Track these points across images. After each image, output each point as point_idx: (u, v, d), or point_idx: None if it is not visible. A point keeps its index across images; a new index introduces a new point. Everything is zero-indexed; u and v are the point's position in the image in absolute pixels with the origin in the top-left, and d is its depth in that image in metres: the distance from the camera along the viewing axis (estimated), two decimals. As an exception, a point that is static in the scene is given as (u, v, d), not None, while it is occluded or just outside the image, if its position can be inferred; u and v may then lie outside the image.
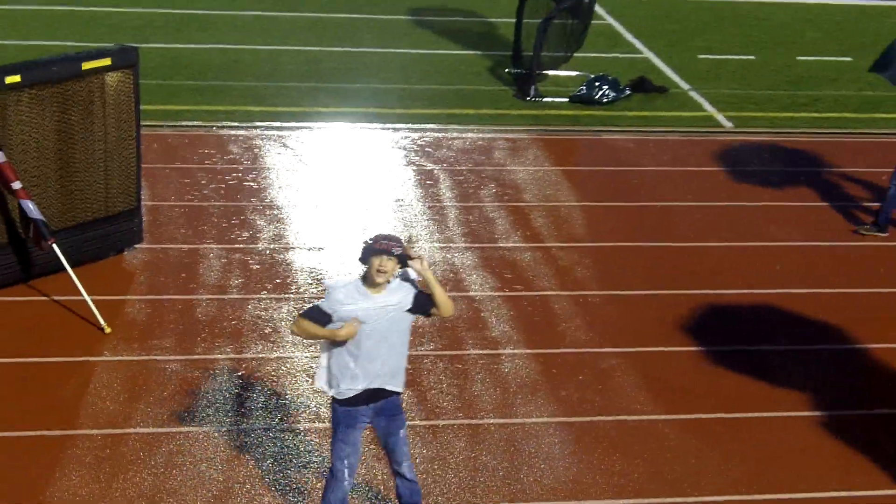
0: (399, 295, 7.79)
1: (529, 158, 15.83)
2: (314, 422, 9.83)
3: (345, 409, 7.94)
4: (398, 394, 8.02)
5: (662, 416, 10.22)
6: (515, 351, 11.11)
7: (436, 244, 13.19)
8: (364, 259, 7.65)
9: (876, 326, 11.89)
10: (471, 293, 12.14)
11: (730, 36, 22.00)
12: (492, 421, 10.02)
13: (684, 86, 19.04)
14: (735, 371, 11.00)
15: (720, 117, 17.73)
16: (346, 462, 8.02)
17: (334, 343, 7.77)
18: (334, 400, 7.93)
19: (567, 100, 18.03)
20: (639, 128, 17.16)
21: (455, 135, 16.41)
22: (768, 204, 14.68)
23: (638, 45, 21.20)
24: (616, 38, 21.54)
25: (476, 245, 13.18)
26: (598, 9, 21.34)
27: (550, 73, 18.95)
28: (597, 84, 18.07)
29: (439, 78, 18.71)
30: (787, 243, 13.69)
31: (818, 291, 12.57)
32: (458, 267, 12.65)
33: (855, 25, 23.25)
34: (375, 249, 7.59)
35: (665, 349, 11.29)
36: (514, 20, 19.13)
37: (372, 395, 7.91)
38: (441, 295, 7.78)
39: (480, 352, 11.07)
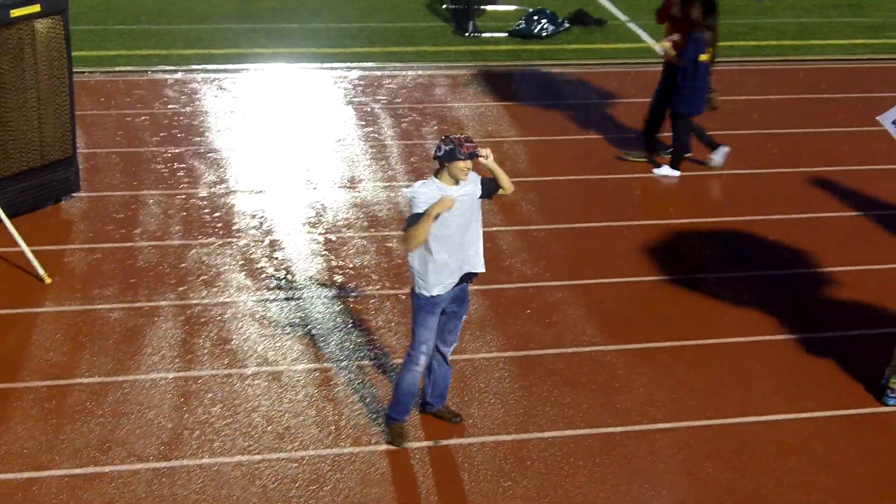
0: (472, 184, 8.45)
1: (470, 94, 15.73)
2: (262, 365, 9.75)
3: (431, 299, 8.52)
4: (477, 275, 8.75)
5: (611, 347, 10.24)
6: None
7: (379, 183, 13.09)
8: (449, 159, 8.21)
9: (827, 249, 11.96)
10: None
11: (667, -34, 21.90)
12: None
13: (622, 17, 18.97)
14: (682, 300, 11.03)
15: (659, 48, 17.66)
16: (424, 347, 8.64)
17: (428, 249, 8.35)
18: (420, 294, 8.52)
19: (506, 34, 17.92)
20: (579, 61, 17.09)
21: (395, 73, 16.27)
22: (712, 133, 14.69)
23: (575, -23, 21.06)
24: (553, -28, 21.39)
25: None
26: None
27: (489, 7, 18.81)
28: (535, 18, 17.97)
29: (377, 16, 18.52)
30: (729, 171, 13.71)
31: (767, 218, 12.61)
32: (402, 205, 12.56)
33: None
34: (464, 154, 8.19)
35: (611, 280, 11.29)
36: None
37: (459, 281, 8.60)
38: (504, 177, 8.57)
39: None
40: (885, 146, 12.13)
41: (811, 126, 15.05)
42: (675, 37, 13.12)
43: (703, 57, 12.88)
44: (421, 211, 8.24)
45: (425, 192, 8.30)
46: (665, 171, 13.46)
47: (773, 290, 11.31)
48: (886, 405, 9.57)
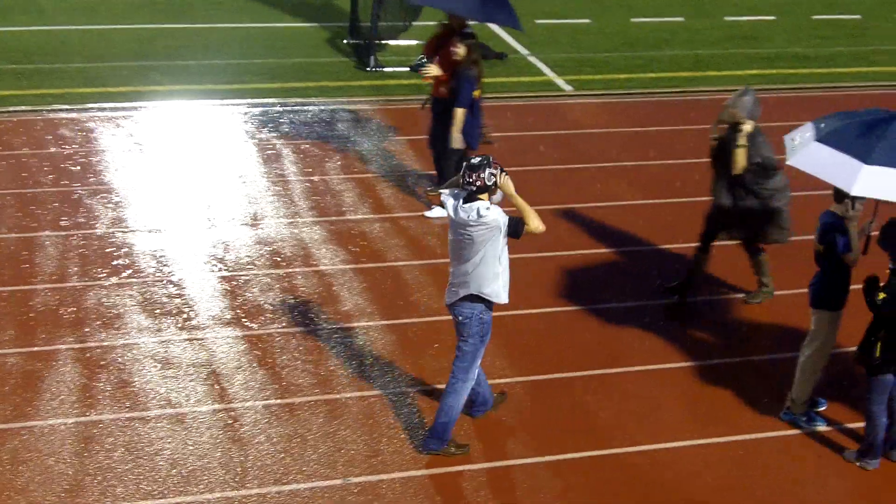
0: (478, 212, 8.74)
1: (373, 129, 15.66)
2: (165, 407, 9.53)
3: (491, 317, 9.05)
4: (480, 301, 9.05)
5: (521, 379, 10.19)
6: (370, 323, 10.95)
7: (282, 220, 12.93)
8: (496, 183, 8.72)
9: (730, 275, 12.07)
10: (321, 267, 11.94)
11: (567, 1, 22.11)
12: (349, 395, 9.85)
13: (523, 51, 19.07)
14: (591, 329, 11.03)
15: (559, 81, 17.80)
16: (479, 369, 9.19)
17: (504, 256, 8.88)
18: (489, 309, 8.97)
19: (408, 69, 17.86)
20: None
21: (296, 108, 16.14)
22: (611, 165, 14.79)
23: (475, 12, 21.13)
24: (453, 7, 21.43)
25: (324, 218, 12.96)
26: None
27: (390, 42, 18.79)
28: (436, 52, 17.96)
29: (278, 52, 18.39)
30: (628, 202, 13.79)
31: (675, 246, 12.69)
32: (307, 241, 12.43)
33: (686, -14, 23.62)
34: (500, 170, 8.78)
35: (522, 312, 11.25)
36: (349, -9, 18.93)
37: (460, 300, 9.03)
38: (528, 214, 8.88)
39: (334, 326, 10.88)
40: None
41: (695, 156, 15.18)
42: (434, 70, 12.91)
43: (476, 93, 12.84)
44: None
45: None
46: (439, 212, 13.18)
47: (676, 317, 11.37)
48: (782, 419, 9.73)
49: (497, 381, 10.10)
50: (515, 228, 8.75)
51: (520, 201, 8.82)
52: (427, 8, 19.37)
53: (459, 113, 12.71)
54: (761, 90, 17.70)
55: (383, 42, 18.58)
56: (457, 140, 12.79)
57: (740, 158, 10.92)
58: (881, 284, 8.77)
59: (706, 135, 15.77)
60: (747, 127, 10.89)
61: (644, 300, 11.65)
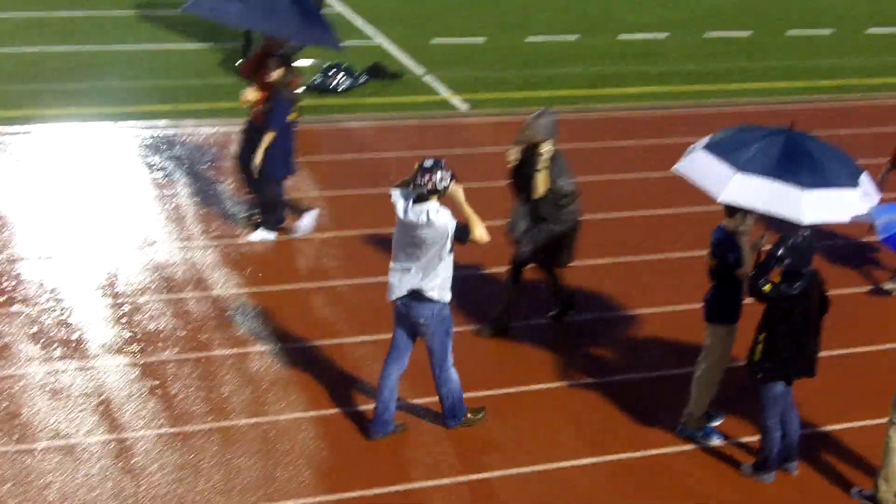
0: (428, 213, 9.02)
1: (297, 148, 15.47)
2: (54, 439, 9.29)
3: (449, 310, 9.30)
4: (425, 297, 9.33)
5: (419, 401, 10.12)
6: (264, 348, 10.80)
7: (175, 244, 12.72)
8: (447, 187, 8.96)
9: (624, 292, 12.12)
10: (215, 292, 11.76)
11: (462, 19, 22.14)
12: (244, 422, 9.70)
13: (419, 70, 19.03)
14: (485, 350, 10.99)
15: (455, 100, 17.80)
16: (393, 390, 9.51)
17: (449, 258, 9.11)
18: (446, 305, 9.23)
19: (303, 89, 17.76)
20: (377, 114, 17.04)
21: (190, 130, 15.91)
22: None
23: (370, 31, 21.09)
24: (348, 26, 21.35)
25: (217, 242, 12.77)
26: (328, -3, 21.17)
27: (285, 63, 18.62)
28: (332, 72, 17.88)
29: (171, 74, 18.12)
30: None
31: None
32: (200, 265, 12.24)
33: (580, 5, 23.77)
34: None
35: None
36: (242, 11, 18.73)
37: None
38: (473, 221, 9.16)
39: (228, 352, 10.71)
40: (677, 190, 12.35)
41: (607, 172, 15.30)
42: (251, 95, 12.62)
43: (291, 116, 12.63)
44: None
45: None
46: (261, 234, 13.00)
47: (572, 335, 11.39)
48: (678, 435, 9.84)
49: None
50: (461, 234, 8.99)
51: (468, 210, 9.02)
52: (322, 28, 19.29)
53: (268, 136, 12.35)
54: (657, 107, 17.92)
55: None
56: (258, 162, 12.37)
57: (541, 182, 10.70)
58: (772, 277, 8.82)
59: (603, 152, 15.91)
60: (547, 149, 10.63)
61: (540, 318, 11.64)
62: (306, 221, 13.05)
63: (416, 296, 9.15)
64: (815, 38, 22.29)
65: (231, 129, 16.03)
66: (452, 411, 9.66)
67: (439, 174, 8.91)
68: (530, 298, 11.95)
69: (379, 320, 11.38)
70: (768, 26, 22.83)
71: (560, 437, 9.74)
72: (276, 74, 12.42)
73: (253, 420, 9.72)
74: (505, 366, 10.73)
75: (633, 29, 22.01)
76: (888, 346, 11.40)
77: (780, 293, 8.76)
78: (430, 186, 8.90)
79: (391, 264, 9.26)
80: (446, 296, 9.20)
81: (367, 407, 9.92)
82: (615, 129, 16.91)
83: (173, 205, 13.64)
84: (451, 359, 9.48)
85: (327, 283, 12.11)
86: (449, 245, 9.02)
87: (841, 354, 10.98)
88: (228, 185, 14.27)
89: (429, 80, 18.63)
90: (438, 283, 9.11)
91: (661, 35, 21.73)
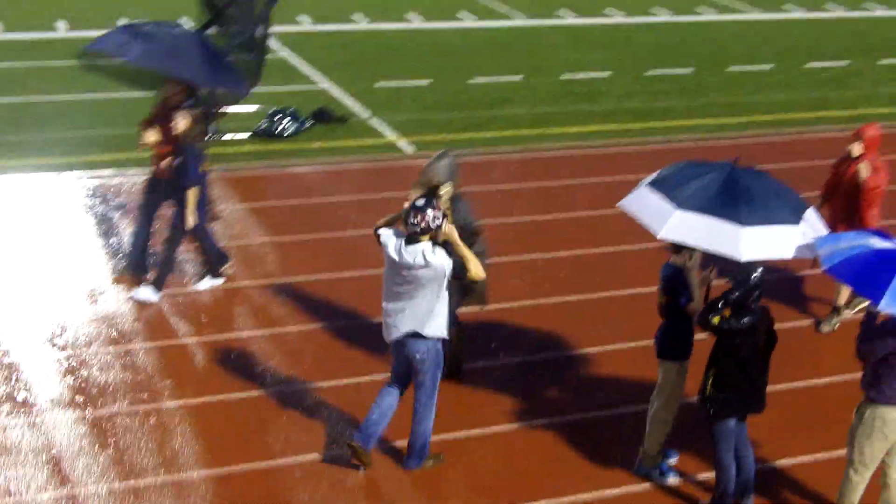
0: (423, 255, 9.10)
1: (214, 197, 15.39)
2: (3, 497, 9.12)
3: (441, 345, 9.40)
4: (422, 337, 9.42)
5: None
6: (215, 398, 10.67)
7: (122, 294, 12.59)
8: (440, 226, 9.02)
9: (575, 331, 12.13)
10: (166, 342, 11.64)
11: (406, 62, 22.23)
12: (196, 473, 9.58)
13: (364, 114, 19.05)
14: (448, 395, 10.95)
15: (402, 143, 17.82)
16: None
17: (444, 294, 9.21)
18: (439, 340, 9.30)
19: (248, 135, 17.72)
20: (324, 158, 17.03)
21: (135, 179, 15.78)
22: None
23: (315, 76, 21.11)
24: (293, 71, 21.39)
25: (165, 291, 12.63)
26: (273, 42, 21.13)
27: (229, 109, 18.56)
28: (277, 117, 17.86)
29: (112, 123, 17.99)
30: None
31: (515, 305, 12.72)
32: (149, 314, 12.12)
33: (523, 46, 23.96)
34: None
35: (367, 379, 11.11)
36: (186, 58, 18.67)
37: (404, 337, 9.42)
38: (470, 261, 9.22)
39: (177, 403, 10.58)
40: (625, 227, 12.40)
41: (553, 211, 15.35)
42: (152, 137, 12.34)
43: (203, 167, 12.27)
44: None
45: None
46: (208, 282, 12.83)
47: (524, 377, 11.37)
48: (635, 474, 9.84)
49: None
50: (460, 272, 9.05)
51: (462, 248, 9.08)
52: (268, 73, 19.27)
53: (191, 194, 12.03)
54: (600, 145, 18.04)
55: (222, 109, 18.34)
56: (191, 221, 12.12)
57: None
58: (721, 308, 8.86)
59: (549, 192, 15.96)
60: (446, 191, 10.39)
61: (484, 361, 11.61)
62: (210, 282, 12.83)
63: (414, 334, 9.21)
64: (756, 73, 22.59)
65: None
66: (420, 452, 9.64)
67: (431, 213, 8.94)
68: (479, 341, 11.94)
69: (330, 365, 11.32)
70: (709, 63, 23.11)
71: (516, 480, 9.70)
72: (182, 125, 12.08)
73: (206, 472, 9.60)
74: (457, 409, 10.68)
75: (575, 68, 22.19)
76: (830, 379, 11.44)
77: (729, 326, 8.81)
78: (423, 225, 8.93)
79: (385, 305, 9.29)
80: (444, 331, 9.30)
81: (311, 456, 9.85)
82: (561, 168, 16.98)
83: (119, 254, 13.51)
84: (436, 396, 9.52)
85: (277, 329, 12.02)
86: (445, 283, 9.07)
87: (786, 389, 11.04)
88: (175, 234, 14.16)
89: (374, 123, 18.65)
90: (437, 322, 9.19)
91: (604, 74, 21.92)
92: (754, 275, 8.79)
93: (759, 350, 9.01)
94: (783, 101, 20.82)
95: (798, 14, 28.21)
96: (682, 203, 8.87)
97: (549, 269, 13.68)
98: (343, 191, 15.82)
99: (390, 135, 18.12)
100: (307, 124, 18.11)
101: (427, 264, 8.92)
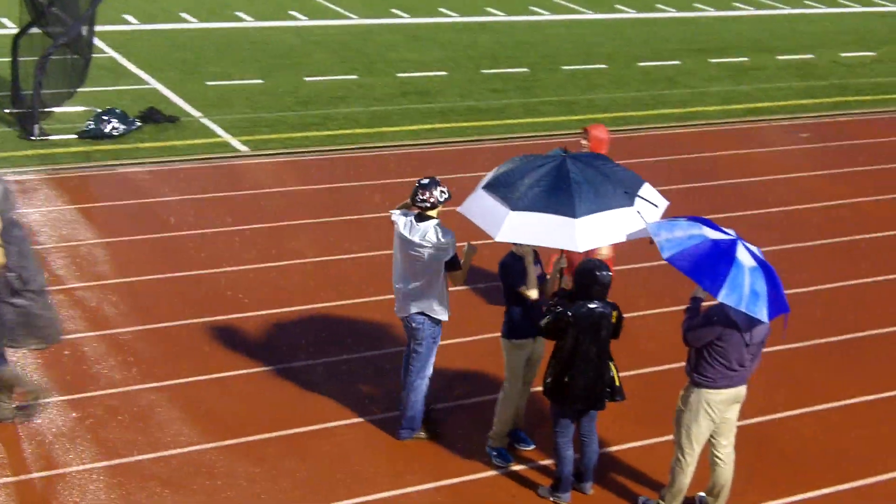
0: (428, 234, 9.53)
1: (41, 199, 14.92)
2: None
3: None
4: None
5: (210, 445, 9.81)
6: (48, 401, 10.28)
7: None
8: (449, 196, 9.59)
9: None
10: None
11: (238, 61, 21.93)
12: (31, 476, 9.21)
13: (196, 113, 18.70)
14: (279, 389, 10.77)
15: (235, 142, 17.52)
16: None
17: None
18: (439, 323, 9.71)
19: (76, 136, 17.22)
20: (154, 158, 16.63)
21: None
22: (292, 223, 14.63)
23: (144, 76, 20.64)
24: (121, 71, 20.88)
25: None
26: (98, 42, 20.63)
27: (55, 110, 18.04)
28: (105, 118, 17.39)
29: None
30: (307, 259, 13.63)
31: (343, 303, 12.61)
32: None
33: (358, 45, 23.85)
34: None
35: (205, 377, 10.87)
36: (9, 59, 18.08)
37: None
38: (464, 269, 9.74)
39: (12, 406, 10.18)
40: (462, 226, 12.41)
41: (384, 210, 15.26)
42: None
43: None
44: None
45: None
46: None
47: (366, 370, 11.26)
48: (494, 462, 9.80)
49: (186, 449, 9.69)
50: (453, 263, 9.46)
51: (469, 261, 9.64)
52: (95, 73, 18.80)
53: None
54: (437, 143, 18.03)
55: (48, 110, 17.81)
56: None
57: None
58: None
59: (389, 189, 15.87)
60: None
61: (320, 358, 11.46)
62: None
63: (420, 313, 9.64)
64: (590, 72, 22.90)
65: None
66: (412, 422, 9.94)
67: (438, 189, 9.44)
68: (321, 338, 11.80)
69: (168, 365, 11.04)
70: (544, 62, 23.35)
71: (361, 471, 9.57)
72: None
73: (42, 474, 9.25)
74: (302, 404, 10.50)
75: (411, 68, 22.19)
76: (668, 366, 11.57)
77: (555, 319, 8.84)
78: (431, 201, 9.42)
79: (395, 284, 9.72)
80: (446, 314, 9.68)
81: (156, 455, 9.57)
82: (398, 166, 16.92)
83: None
84: (430, 370, 9.83)
85: (111, 331, 11.66)
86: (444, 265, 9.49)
87: (630, 376, 11.15)
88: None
89: (206, 122, 18.32)
90: (442, 305, 9.60)
91: (441, 73, 21.97)
92: (588, 268, 8.84)
93: (598, 343, 8.97)
94: (617, 99, 21.15)
95: (630, 14, 28.73)
96: (515, 204, 8.85)
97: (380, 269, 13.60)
98: (175, 191, 15.47)
99: (223, 134, 17.81)
100: (136, 125, 17.70)
101: (437, 244, 9.34)
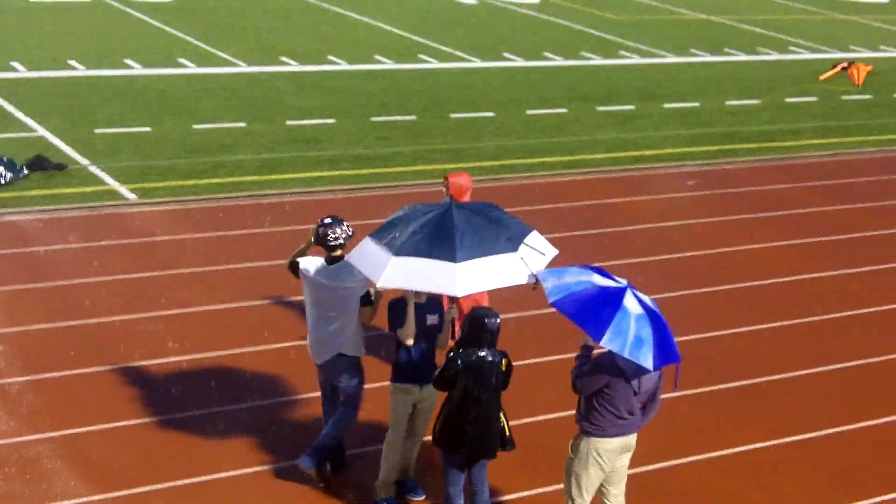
0: (343, 277, 9.71)
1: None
2: None
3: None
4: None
5: (98, 497, 9.70)
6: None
7: None
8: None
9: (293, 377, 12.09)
10: None
11: (127, 109, 21.77)
12: None
13: (84, 161, 18.52)
14: (168, 440, 10.69)
15: (123, 190, 17.39)
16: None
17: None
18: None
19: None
20: (42, 206, 16.44)
21: None
22: (181, 271, 14.56)
23: (31, 123, 20.40)
24: (8, 118, 20.61)
25: None
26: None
27: (-62, 158, 17.76)
28: (-10, 165, 17.16)
29: None
30: (196, 308, 13.58)
31: (233, 352, 12.57)
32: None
33: (246, 92, 23.84)
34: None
35: (94, 428, 10.76)
36: None
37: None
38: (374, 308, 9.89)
39: None
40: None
41: (280, 258, 15.30)
42: None
43: None
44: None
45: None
46: None
47: (258, 420, 11.24)
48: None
49: (74, 501, 9.57)
50: (367, 298, 9.62)
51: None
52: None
53: None
54: (326, 191, 18.09)
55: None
56: None
57: None
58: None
59: (278, 237, 15.87)
60: None
61: (211, 407, 11.40)
62: None
63: (339, 356, 9.71)
64: (478, 120, 23.16)
65: None
66: (317, 454, 9.84)
67: (343, 226, 9.60)
68: (214, 387, 11.75)
69: (56, 415, 10.89)
70: (432, 110, 23.57)
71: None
72: None
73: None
74: (194, 454, 10.44)
75: (299, 115, 22.25)
76: (559, 414, 11.68)
77: (445, 367, 8.95)
78: (343, 238, 9.60)
79: (311, 331, 9.79)
80: (362, 352, 9.85)
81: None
82: (288, 214, 16.93)
83: None
84: (357, 411, 9.98)
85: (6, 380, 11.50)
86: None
87: (514, 425, 11.25)
88: None
89: (94, 170, 18.16)
90: (358, 342, 9.75)
91: (329, 121, 22.05)
92: (478, 315, 8.96)
93: (488, 391, 9.06)
94: (505, 147, 21.39)
95: (518, 63, 29.13)
96: (398, 249, 8.91)
97: (289, 316, 13.59)
98: (63, 239, 15.30)
99: (111, 182, 17.67)
100: (23, 173, 17.49)
101: (355, 278, 9.47)
